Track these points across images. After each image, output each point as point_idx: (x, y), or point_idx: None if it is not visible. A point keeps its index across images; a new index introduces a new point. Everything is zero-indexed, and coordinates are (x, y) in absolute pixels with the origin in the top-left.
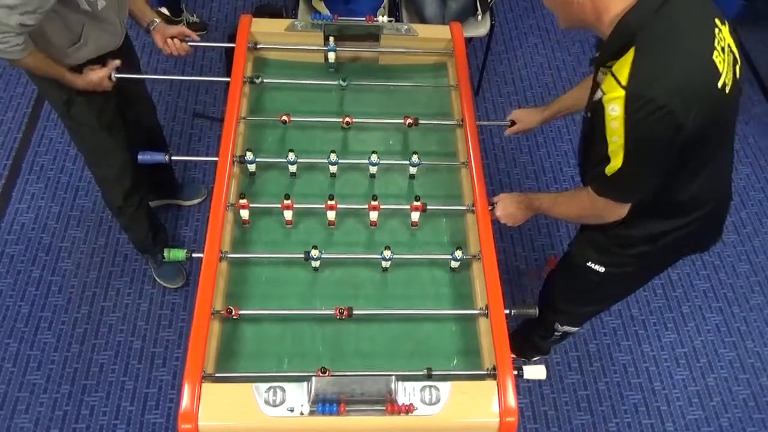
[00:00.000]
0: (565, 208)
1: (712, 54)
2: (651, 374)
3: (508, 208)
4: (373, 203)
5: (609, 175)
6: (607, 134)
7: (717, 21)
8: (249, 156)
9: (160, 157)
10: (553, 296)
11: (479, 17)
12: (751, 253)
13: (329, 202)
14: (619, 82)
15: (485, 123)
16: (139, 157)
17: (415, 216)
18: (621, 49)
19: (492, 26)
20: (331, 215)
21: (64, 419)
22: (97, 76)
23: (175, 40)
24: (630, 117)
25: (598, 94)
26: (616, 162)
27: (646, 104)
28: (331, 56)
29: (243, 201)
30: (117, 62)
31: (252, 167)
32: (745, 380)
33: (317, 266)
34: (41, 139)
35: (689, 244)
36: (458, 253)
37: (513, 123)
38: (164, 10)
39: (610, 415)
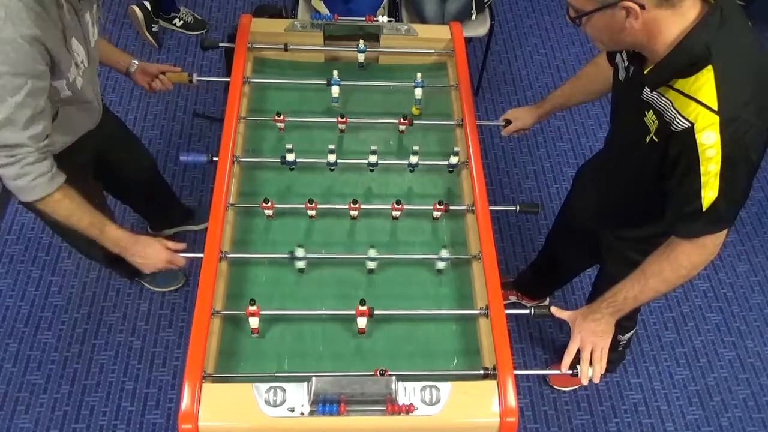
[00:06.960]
0: (669, 277)
1: None
2: (651, 374)
3: (591, 336)
4: (397, 206)
5: (706, 209)
6: (701, 164)
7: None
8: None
9: (203, 159)
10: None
11: (473, 17)
12: (750, 253)
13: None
14: (708, 107)
15: (483, 123)
16: (181, 158)
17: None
18: (688, 67)
19: (492, 26)
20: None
21: (64, 419)
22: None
23: (158, 80)
24: (727, 140)
25: (683, 123)
26: (711, 193)
27: (741, 124)
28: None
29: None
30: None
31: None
32: (745, 380)
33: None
34: None
35: None
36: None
37: (508, 122)
38: (147, 4)
39: (610, 415)
